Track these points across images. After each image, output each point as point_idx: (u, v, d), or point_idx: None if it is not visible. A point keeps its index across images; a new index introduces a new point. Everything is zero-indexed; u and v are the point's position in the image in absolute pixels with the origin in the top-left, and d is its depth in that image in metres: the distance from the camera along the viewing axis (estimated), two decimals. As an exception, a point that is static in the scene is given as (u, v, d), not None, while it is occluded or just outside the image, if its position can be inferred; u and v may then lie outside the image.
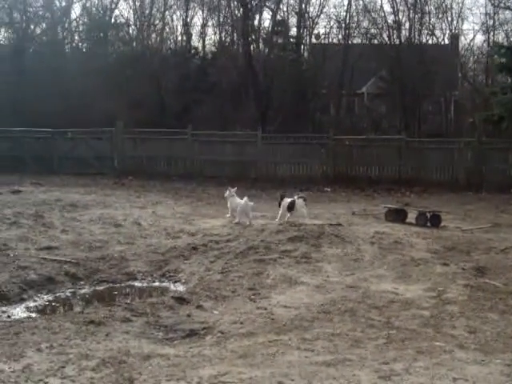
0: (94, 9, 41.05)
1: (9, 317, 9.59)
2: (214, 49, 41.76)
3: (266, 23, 47.99)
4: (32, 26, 39.62)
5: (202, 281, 11.34)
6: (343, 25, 38.40)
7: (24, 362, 7.22)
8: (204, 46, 41.82)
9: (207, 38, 42.71)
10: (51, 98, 32.10)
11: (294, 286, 10.75)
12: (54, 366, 7.11)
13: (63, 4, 40.51)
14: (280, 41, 39.39)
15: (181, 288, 11.37)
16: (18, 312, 9.95)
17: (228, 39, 42.73)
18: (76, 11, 44.33)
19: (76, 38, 41.84)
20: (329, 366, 7.16)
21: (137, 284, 11.82)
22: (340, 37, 39.32)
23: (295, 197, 16.75)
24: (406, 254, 12.99)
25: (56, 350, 7.65)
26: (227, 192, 16.90)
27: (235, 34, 41.81)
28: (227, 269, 11.83)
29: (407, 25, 36.44)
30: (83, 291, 11.30)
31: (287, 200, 16.53)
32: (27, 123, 28.73)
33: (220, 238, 14.12)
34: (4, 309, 10.01)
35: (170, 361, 7.40)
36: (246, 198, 16.59)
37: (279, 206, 16.62)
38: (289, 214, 16.30)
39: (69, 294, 11.12)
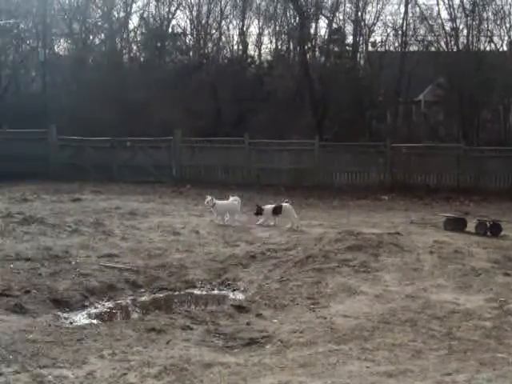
0: (151, 19, 41.48)
1: (71, 323, 9.76)
2: (269, 57, 41.84)
3: (322, 31, 47.88)
4: (91, 37, 40.26)
5: (261, 289, 11.36)
6: (400, 32, 38.11)
7: (87, 369, 7.33)
8: (260, 55, 41.99)
9: (263, 46, 42.79)
10: (110, 108, 32.51)
11: (354, 296, 10.69)
12: (116, 373, 7.19)
13: (121, 15, 41.08)
14: (336, 49, 39.25)
15: (240, 296, 11.42)
16: (80, 318, 10.11)
17: (284, 48, 42.79)
18: (134, 22, 44.91)
19: (134, 48, 42.37)
20: (390, 377, 7.12)
21: (196, 292, 11.90)
22: (396, 44, 39.05)
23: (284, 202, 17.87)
24: (466, 263, 12.80)
25: (118, 356, 7.74)
26: (208, 199, 17.53)
27: (291, 43, 41.86)
28: (286, 277, 11.83)
29: (465, 32, 35.97)
30: (143, 298, 11.43)
31: (270, 206, 17.80)
32: (87, 132, 29.20)
33: (278, 247, 14.13)
34: (66, 315, 10.18)
35: (230, 369, 7.42)
36: (232, 198, 17.89)
37: (257, 214, 17.78)
38: (277, 218, 17.58)
39: (129, 302, 11.26)
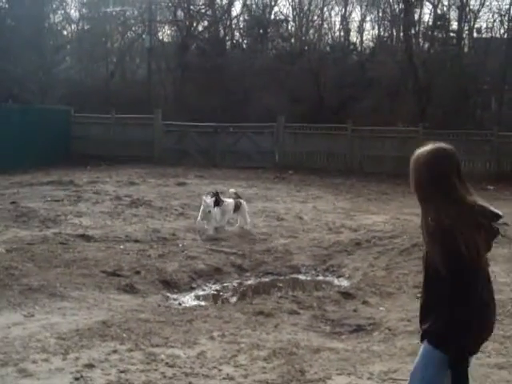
0: (254, 6, 41.66)
1: (180, 304, 9.96)
2: (372, 44, 41.45)
3: (426, 18, 46.93)
4: (194, 24, 40.73)
5: (366, 276, 11.31)
6: (506, 18, 37.04)
7: (198, 349, 7.44)
8: (362, 42, 41.61)
9: (365, 33, 42.35)
10: (213, 94, 32.92)
11: (462, 286, 10.49)
12: (226, 354, 7.29)
13: (224, 2, 41.37)
14: (440, 35, 38.55)
15: (345, 283, 11.39)
16: (188, 300, 10.30)
17: (386, 34, 42.26)
18: (237, 9, 45.22)
19: (236, 34, 42.65)
20: (501, 369, 6.98)
21: (301, 277, 11.93)
22: (502, 31, 37.99)
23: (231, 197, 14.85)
24: None
25: (228, 338, 7.84)
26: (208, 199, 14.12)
27: (394, 29, 41.29)
28: (392, 265, 11.72)
29: None
30: (249, 282, 11.54)
31: (228, 201, 14.35)
32: (190, 117, 29.64)
33: (383, 235, 13.98)
34: (175, 296, 10.40)
35: (339, 355, 7.42)
36: (204, 197, 14.35)
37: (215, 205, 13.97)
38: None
39: (236, 285, 11.40)
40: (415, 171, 4.56)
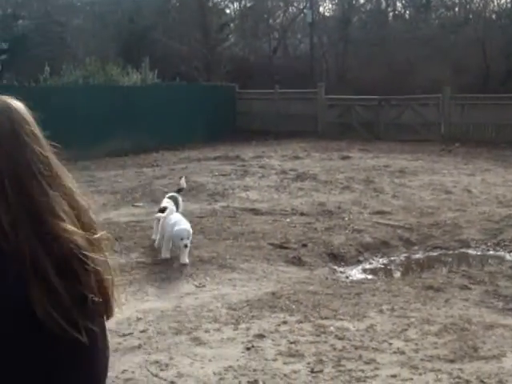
0: (416, -25, 40.69)
1: (347, 277, 9.97)
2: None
3: None
4: (357, -4, 40.38)
5: (542, 252, 10.89)
6: None
7: (367, 323, 7.45)
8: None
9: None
10: (375, 66, 32.52)
11: None
12: (396, 329, 7.24)
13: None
14: None
15: (518, 258, 11.02)
16: (356, 273, 10.30)
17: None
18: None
19: (399, 5, 41.84)
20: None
21: (470, 252, 11.60)
22: None
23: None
24: None
25: (397, 312, 7.79)
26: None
27: None
28: None
29: None
30: (417, 256, 11.37)
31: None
32: (353, 91, 29.41)
33: (559, 208, 13.42)
34: (342, 269, 10.42)
35: (514, 332, 7.22)
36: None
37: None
38: None
39: (403, 259, 11.26)
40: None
